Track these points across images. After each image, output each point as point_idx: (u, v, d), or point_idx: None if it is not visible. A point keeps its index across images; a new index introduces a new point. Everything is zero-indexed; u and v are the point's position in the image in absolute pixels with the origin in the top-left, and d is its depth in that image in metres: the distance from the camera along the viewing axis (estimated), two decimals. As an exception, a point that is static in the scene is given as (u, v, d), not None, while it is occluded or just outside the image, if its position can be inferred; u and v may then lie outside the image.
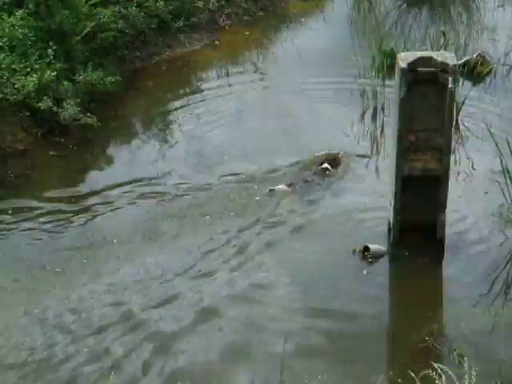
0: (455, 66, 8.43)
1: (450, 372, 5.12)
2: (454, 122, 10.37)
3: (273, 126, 11.74)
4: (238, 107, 12.45)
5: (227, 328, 7.93)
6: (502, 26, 14.84)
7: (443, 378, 5.21)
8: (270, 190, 10.15)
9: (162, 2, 14.03)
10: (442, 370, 5.15)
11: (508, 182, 9.28)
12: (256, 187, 10.22)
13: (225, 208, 9.85)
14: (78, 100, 11.53)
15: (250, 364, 7.52)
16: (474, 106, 11.86)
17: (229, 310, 8.18)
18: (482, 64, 12.86)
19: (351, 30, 15.45)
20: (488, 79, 12.85)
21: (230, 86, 13.26)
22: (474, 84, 12.67)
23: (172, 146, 11.52)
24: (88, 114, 11.46)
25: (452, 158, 9.36)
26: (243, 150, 11.15)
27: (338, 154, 10.82)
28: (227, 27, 15.30)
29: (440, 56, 8.62)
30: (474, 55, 12.96)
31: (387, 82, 11.99)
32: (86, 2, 12.88)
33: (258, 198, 10.00)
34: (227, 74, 13.71)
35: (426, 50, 12.25)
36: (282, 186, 10.24)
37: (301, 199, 10.04)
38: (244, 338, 7.81)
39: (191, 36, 14.74)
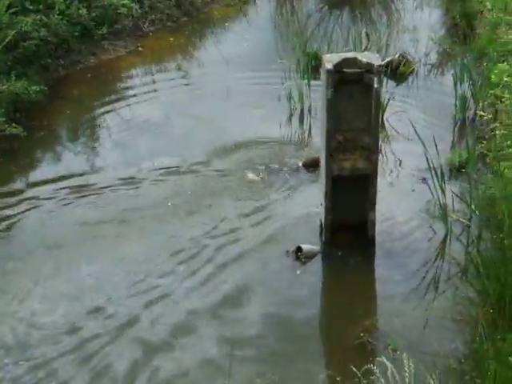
0: (379, 66, 8.60)
1: (390, 365, 5.21)
2: (380, 122, 10.62)
3: (199, 130, 11.73)
4: (164, 112, 12.42)
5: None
6: (421, 26, 15.18)
7: (389, 371, 5.32)
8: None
9: (84, 10, 13.89)
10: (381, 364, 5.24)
11: (434, 178, 9.49)
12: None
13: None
14: (3, 110, 11.34)
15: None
16: (399, 105, 12.09)
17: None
18: (404, 64, 13.12)
19: (275, 33, 15.59)
20: (410, 79, 13.11)
21: (155, 91, 13.22)
22: (398, 84, 12.92)
23: (100, 154, 11.39)
24: (13, 124, 11.28)
25: (380, 156, 9.53)
26: (170, 153, 11.10)
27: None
28: (151, 33, 15.25)
29: (364, 57, 8.77)
30: (396, 56, 13.22)
31: (313, 84, 12.13)
32: (6, 11, 12.67)
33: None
34: (153, 80, 13.66)
35: (350, 51, 12.41)
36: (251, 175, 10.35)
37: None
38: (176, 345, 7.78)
39: (115, 43, 14.64)
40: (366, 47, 13.33)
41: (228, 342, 7.67)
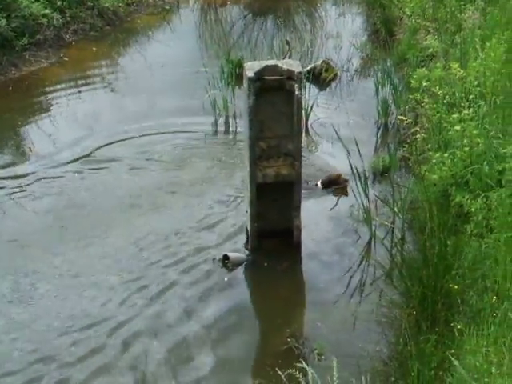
0: (300, 72, 8.66)
1: (311, 370, 5.24)
2: (303, 128, 10.71)
3: (124, 139, 11.67)
4: (89, 123, 12.29)
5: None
6: (344, 33, 15.39)
7: (309, 375, 5.34)
8: None
9: (3, 20, 13.68)
10: (304, 368, 5.26)
11: (357, 182, 9.61)
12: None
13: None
14: None
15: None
16: (323, 111, 12.20)
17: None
18: (326, 70, 13.26)
19: (199, 42, 15.62)
20: (334, 84, 13.27)
21: (79, 100, 13.08)
22: (321, 90, 13.05)
23: (25, 170, 11.15)
24: None
25: (304, 162, 9.60)
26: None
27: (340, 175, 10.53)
28: (74, 43, 15.11)
29: (285, 64, 8.83)
30: (319, 62, 13.36)
31: (237, 92, 12.17)
32: None
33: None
34: (78, 91, 13.52)
35: (273, 58, 12.50)
36: None
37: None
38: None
39: (37, 54, 14.45)
40: (287, 54, 13.44)
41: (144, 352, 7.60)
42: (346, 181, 10.23)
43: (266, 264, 8.96)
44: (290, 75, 8.59)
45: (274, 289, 8.69)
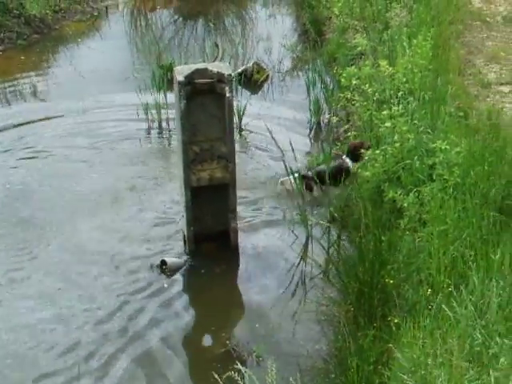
0: (230, 75, 8.67)
1: (248, 372, 5.24)
2: (236, 130, 10.73)
3: (59, 149, 11.51)
4: (19, 134, 12.09)
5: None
6: (274, 34, 15.45)
7: (245, 378, 5.35)
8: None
9: None
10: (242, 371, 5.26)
11: (292, 183, 9.65)
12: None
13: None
14: None
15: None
16: (256, 113, 12.21)
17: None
18: (258, 72, 13.29)
19: (130, 47, 15.51)
20: (266, 86, 13.31)
21: (9, 110, 12.87)
22: (253, 91, 13.07)
23: None
24: None
25: (238, 164, 9.61)
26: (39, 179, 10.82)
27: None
28: (1, 53, 14.84)
29: (215, 67, 8.83)
30: (250, 64, 13.38)
31: (169, 96, 12.11)
32: None
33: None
34: (8, 102, 13.28)
35: (204, 62, 12.48)
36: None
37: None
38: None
39: (-38, 65, 14.18)
40: (217, 57, 13.44)
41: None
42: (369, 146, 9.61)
43: (204, 268, 8.94)
44: (220, 78, 8.59)
45: (213, 292, 8.67)
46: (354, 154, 9.69)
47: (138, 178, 10.69)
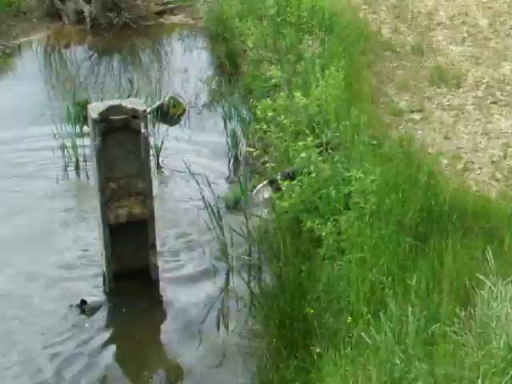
0: (145, 110, 8.68)
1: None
2: (153, 165, 10.70)
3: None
4: None
5: None
6: (190, 68, 15.47)
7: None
8: None
9: None
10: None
11: (212, 217, 9.67)
12: None
13: None
14: None
15: None
16: (173, 147, 12.19)
17: None
18: (174, 106, 13.29)
19: (45, 85, 15.28)
20: (183, 120, 13.30)
21: None
22: (171, 126, 13.04)
23: None
24: None
25: (157, 200, 9.58)
26: None
27: None
28: None
29: (129, 103, 8.84)
30: (167, 98, 13.37)
31: (86, 133, 11.97)
32: None
33: None
34: None
35: (120, 98, 12.41)
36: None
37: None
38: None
39: None
40: (131, 93, 13.41)
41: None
42: None
43: (125, 306, 8.84)
44: (134, 114, 8.58)
45: (134, 330, 8.58)
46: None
47: (54, 217, 10.51)
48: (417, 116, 11.18)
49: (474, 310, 5.93)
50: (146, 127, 8.63)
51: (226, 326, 8.54)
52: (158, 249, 9.14)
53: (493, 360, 5.06)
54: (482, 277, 6.11)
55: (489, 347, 5.22)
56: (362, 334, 6.36)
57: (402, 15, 14.74)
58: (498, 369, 4.98)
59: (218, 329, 8.49)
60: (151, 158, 10.12)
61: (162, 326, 8.86)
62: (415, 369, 5.74)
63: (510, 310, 5.43)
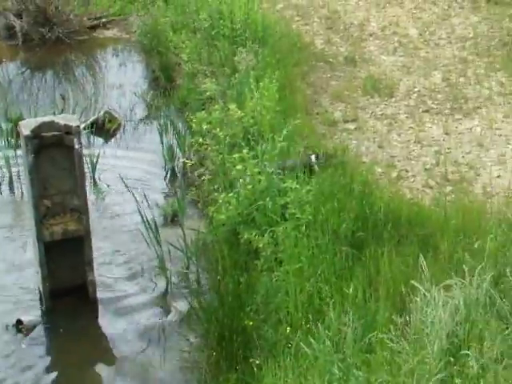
0: (78, 126, 8.60)
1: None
2: (89, 181, 10.60)
3: None
4: None
5: None
6: (125, 82, 15.34)
7: None
8: None
9: None
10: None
11: (149, 232, 9.61)
12: None
13: None
14: None
15: None
16: (109, 162, 12.08)
17: None
18: (110, 121, 13.18)
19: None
20: (118, 135, 13.19)
21: None
22: (106, 141, 12.93)
23: None
24: None
25: (93, 216, 9.49)
26: None
27: None
28: None
29: (62, 119, 8.75)
30: (101, 113, 13.26)
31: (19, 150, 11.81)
32: None
33: None
34: None
35: (54, 114, 12.26)
36: None
37: None
38: None
39: None
40: (65, 109, 13.28)
41: None
42: None
43: (62, 324, 8.72)
44: (67, 130, 8.49)
45: (72, 349, 8.47)
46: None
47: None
48: (351, 126, 11.32)
49: (410, 317, 5.99)
50: (80, 143, 8.54)
51: (165, 341, 8.47)
52: (95, 265, 9.03)
53: (427, 366, 5.12)
54: (416, 283, 6.20)
55: (423, 353, 5.29)
56: (301, 343, 6.39)
57: (334, 26, 14.92)
58: (432, 374, 5.04)
59: (158, 344, 8.41)
60: (86, 173, 10.05)
61: (100, 345, 8.74)
62: (353, 377, 5.78)
63: (443, 316, 5.51)
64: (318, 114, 11.70)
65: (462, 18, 15.02)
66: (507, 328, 5.42)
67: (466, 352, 5.14)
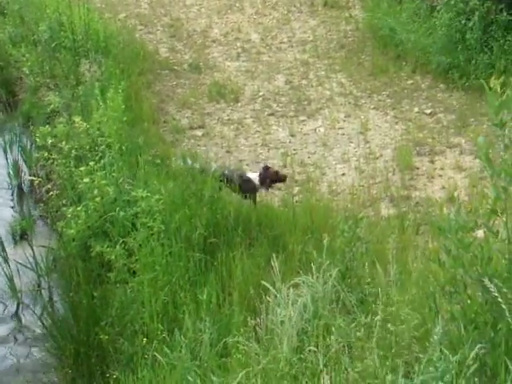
0: None
1: None
2: None
3: None
4: None
5: None
6: None
7: None
8: None
9: None
10: None
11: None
12: None
13: None
14: None
15: None
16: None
17: None
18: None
19: None
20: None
21: None
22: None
23: None
24: None
25: None
26: None
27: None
28: None
29: None
30: None
31: None
32: None
33: None
34: None
35: None
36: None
37: None
38: None
39: None
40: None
41: None
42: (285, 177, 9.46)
43: None
44: None
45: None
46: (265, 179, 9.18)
47: None
48: (199, 132, 11.39)
49: (261, 318, 6.07)
50: None
51: (18, 363, 8.17)
52: None
53: (279, 365, 5.21)
54: (266, 284, 6.28)
55: (273, 353, 5.37)
56: (156, 354, 6.36)
57: (177, 34, 14.97)
58: (284, 372, 5.13)
59: (10, 368, 8.10)
60: None
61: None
62: (210, 382, 5.80)
63: (292, 314, 5.61)
64: (165, 122, 11.70)
65: (301, 22, 15.43)
66: (354, 320, 5.57)
67: (312, 348, 5.24)
